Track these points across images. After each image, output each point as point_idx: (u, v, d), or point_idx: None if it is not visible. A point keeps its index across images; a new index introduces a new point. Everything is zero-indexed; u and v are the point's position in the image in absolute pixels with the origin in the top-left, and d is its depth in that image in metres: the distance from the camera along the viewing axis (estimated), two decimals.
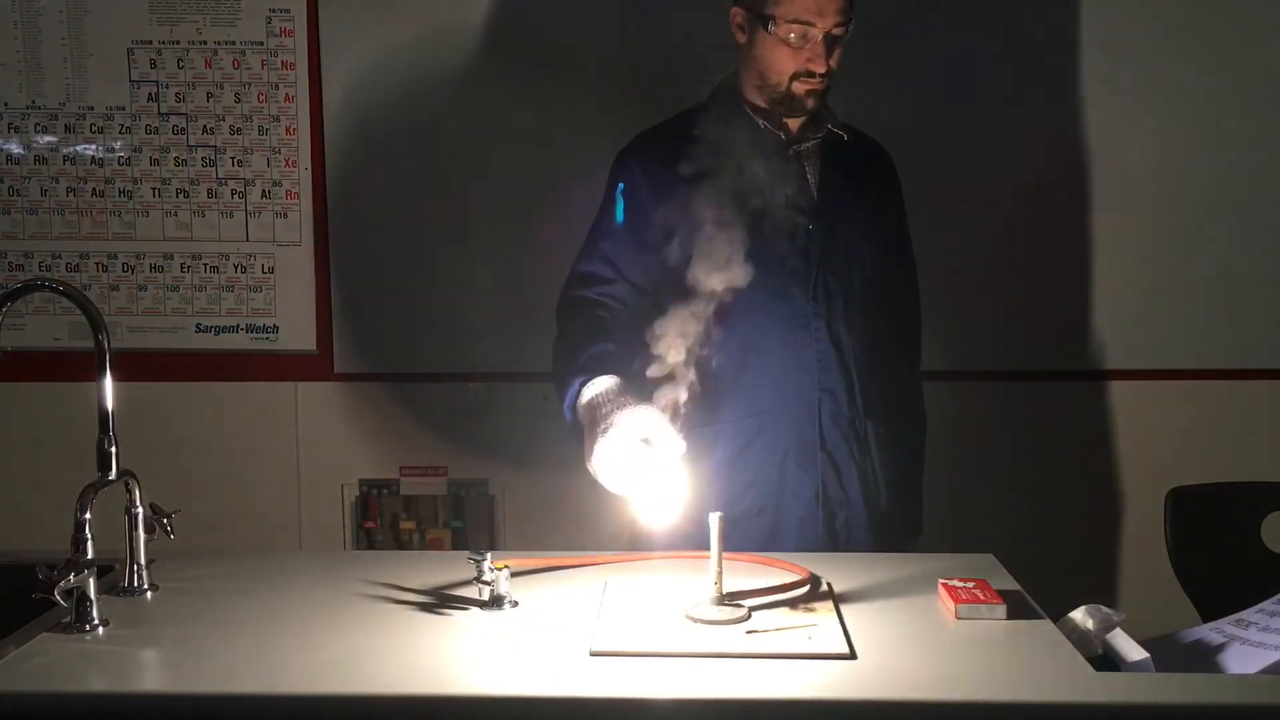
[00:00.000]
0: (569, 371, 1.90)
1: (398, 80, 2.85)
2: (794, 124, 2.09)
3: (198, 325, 2.96)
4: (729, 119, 2.04)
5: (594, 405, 1.81)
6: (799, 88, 2.02)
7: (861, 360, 2.10)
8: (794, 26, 1.97)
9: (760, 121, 2.07)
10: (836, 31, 1.99)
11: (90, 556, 1.55)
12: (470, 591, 1.67)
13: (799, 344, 2.05)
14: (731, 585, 1.61)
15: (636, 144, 2.13)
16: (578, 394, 1.86)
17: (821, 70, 2.00)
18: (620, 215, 2.07)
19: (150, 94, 2.90)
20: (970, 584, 1.65)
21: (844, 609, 1.62)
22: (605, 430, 1.74)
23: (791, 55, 2.00)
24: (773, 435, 2.04)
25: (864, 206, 2.13)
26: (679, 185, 1.95)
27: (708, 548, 1.59)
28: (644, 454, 1.71)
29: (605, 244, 2.07)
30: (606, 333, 1.96)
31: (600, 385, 1.84)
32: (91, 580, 1.56)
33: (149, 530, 1.72)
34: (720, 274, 1.94)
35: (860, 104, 2.80)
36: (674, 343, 1.85)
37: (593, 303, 2.03)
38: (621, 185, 2.08)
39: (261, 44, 2.88)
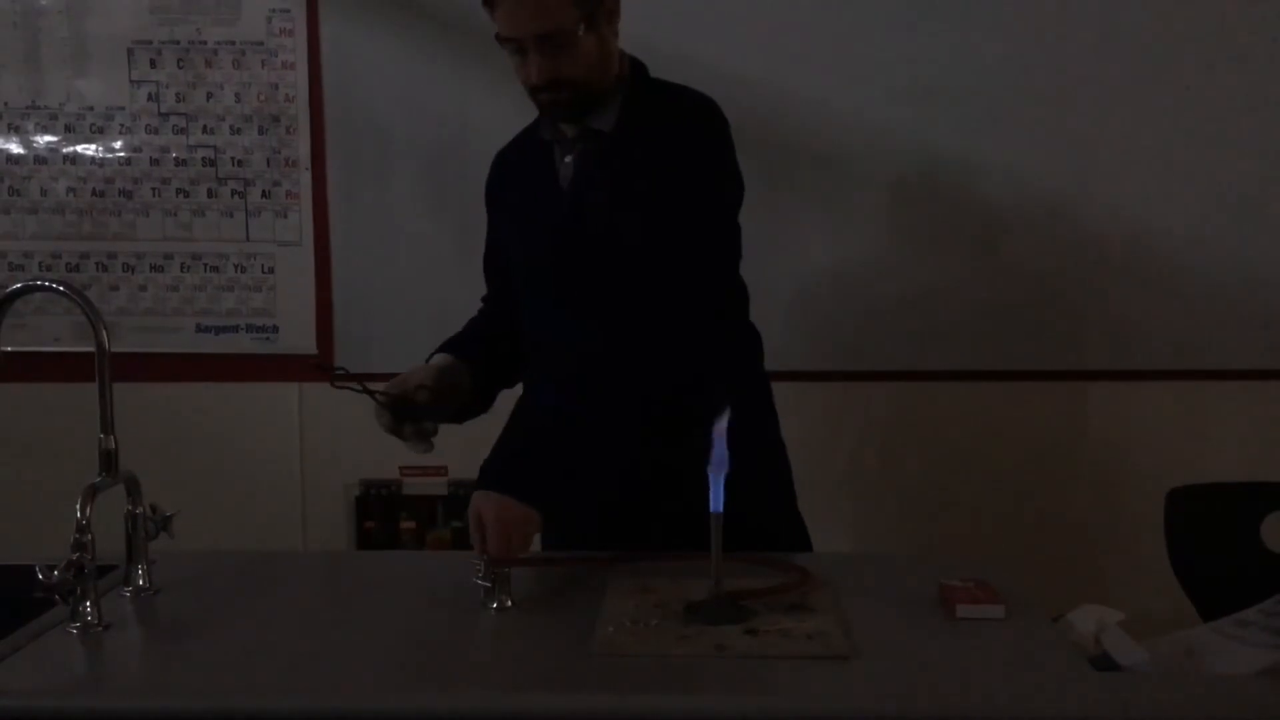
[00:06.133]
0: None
1: (398, 80, 2.86)
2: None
3: (198, 325, 2.96)
4: (540, 124, 2.01)
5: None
6: (542, 98, 1.90)
7: (641, 350, 1.88)
8: (506, 42, 1.87)
9: (558, 124, 1.97)
10: (554, 36, 1.83)
11: (91, 556, 1.55)
12: (470, 592, 1.67)
13: (562, 341, 1.97)
14: (731, 585, 1.60)
15: (503, 149, 2.14)
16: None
17: (538, 80, 1.85)
18: (488, 225, 2.17)
19: (150, 94, 2.91)
20: (970, 584, 1.65)
21: (844, 609, 1.61)
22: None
23: (520, 70, 1.89)
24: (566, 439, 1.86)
25: (626, 194, 1.90)
26: (501, 193, 2.09)
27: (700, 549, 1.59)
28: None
29: (486, 254, 2.20)
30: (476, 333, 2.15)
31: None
32: (91, 580, 1.56)
33: (149, 531, 1.73)
34: (518, 283, 2.05)
35: (858, 101, 2.82)
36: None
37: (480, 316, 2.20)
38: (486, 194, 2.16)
39: (261, 44, 2.88)
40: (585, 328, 1.93)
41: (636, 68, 1.97)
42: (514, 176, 2.07)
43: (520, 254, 2.04)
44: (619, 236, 1.89)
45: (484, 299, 2.22)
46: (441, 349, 2.09)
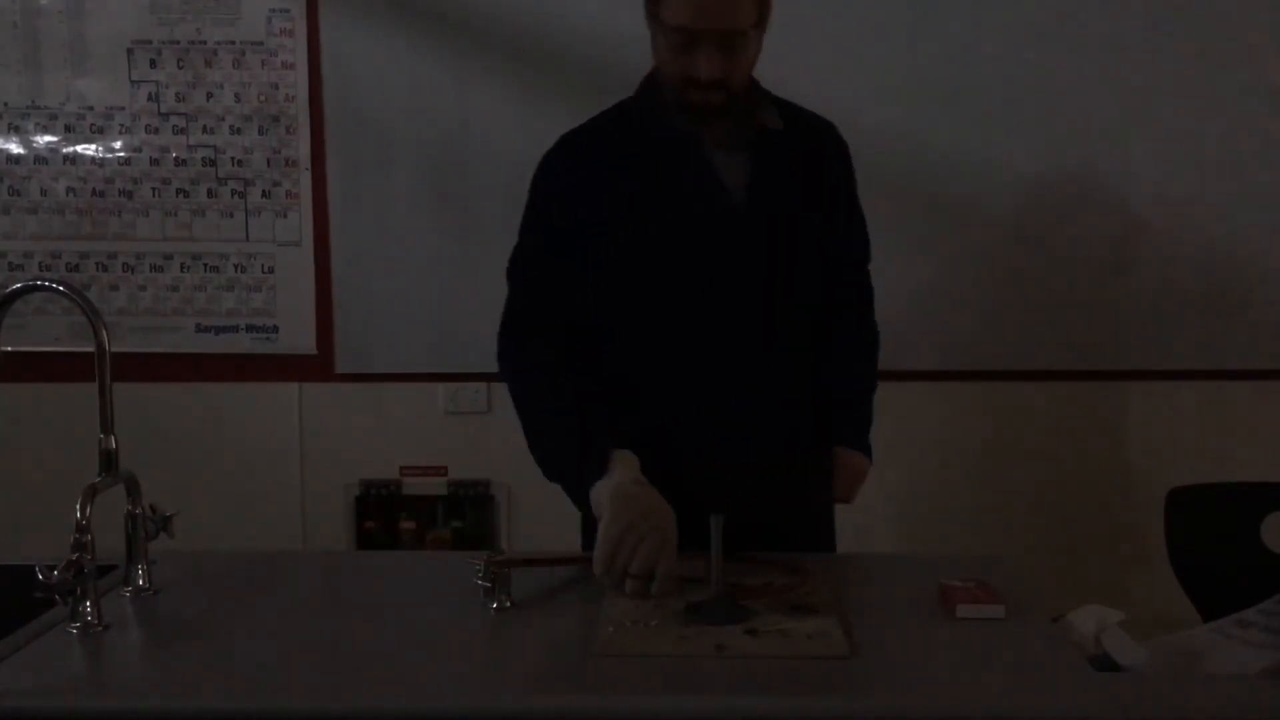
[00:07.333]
0: (576, 439, 1.83)
1: (398, 80, 2.86)
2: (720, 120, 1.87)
3: (198, 325, 2.96)
4: (652, 117, 1.88)
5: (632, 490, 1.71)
6: (694, 95, 1.80)
7: (805, 359, 1.94)
8: (676, 31, 1.75)
9: (686, 119, 1.85)
10: (731, 35, 1.75)
11: (90, 557, 1.55)
12: (470, 592, 1.67)
13: (734, 351, 1.89)
14: (731, 585, 1.61)
15: (560, 146, 1.93)
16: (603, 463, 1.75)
17: (708, 77, 1.76)
18: (547, 230, 1.90)
19: (150, 94, 2.91)
20: (970, 584, 1.65)
21: (844, 609, 1.61)
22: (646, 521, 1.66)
23: (677, 60, 1.78)
24: (711, 443, 1.90)
25: (802, 198, 1.91)
26: (600, 193, 1.85)
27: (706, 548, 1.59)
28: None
29: (536, 269, 1.91)
30: (586, 388, 1.85)
31: (630, 465, 1.74)
32: (91, 580, 1.56)
33: (149, 531, 1.73)
34: (644, 286, 1.86)
35: (857, 101, 2.81)
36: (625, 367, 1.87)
37: (548, 343, 1.88)
38: (545, 196, 1.91)
39: (261, 44, 2.88)
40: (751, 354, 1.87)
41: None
42: (631, 176, 1.86)
43: (668, 261, 1.85)
44: (805, 245, 1.93)
45: (546, 339, 1.89)
46: (605, 441, 1.81)
